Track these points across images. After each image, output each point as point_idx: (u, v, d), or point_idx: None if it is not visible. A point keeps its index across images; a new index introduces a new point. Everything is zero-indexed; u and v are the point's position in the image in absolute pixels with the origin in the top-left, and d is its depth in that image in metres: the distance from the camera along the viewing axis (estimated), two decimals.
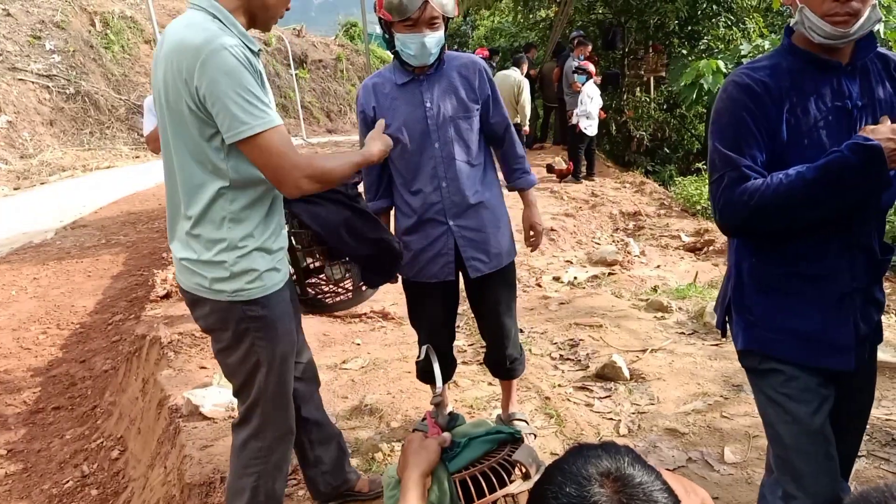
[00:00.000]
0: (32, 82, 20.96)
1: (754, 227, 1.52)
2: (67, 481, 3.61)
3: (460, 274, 2.52)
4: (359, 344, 4.00)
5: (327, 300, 2.35)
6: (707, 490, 2.47)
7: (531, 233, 2.59)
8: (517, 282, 2.64)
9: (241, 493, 2.02)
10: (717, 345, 3.75)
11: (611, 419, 2.94)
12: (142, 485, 3.18)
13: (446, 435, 1.43)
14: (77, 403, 4.64)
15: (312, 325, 4.23)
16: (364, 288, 2.37)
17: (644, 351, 3.61)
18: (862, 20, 1.41)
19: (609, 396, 3.14)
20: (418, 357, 1.63)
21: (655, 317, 4.31)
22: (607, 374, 3.31)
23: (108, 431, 4.05)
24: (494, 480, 1.37)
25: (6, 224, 11.19)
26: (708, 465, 2.57)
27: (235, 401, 3.06)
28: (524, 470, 1.40)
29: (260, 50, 1.75)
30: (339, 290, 2.35)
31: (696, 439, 2.74)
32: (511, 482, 1.40)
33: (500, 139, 2.49)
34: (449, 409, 1.75)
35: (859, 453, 2.60)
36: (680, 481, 1.13)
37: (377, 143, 2.03)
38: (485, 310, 2.59)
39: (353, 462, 2.68)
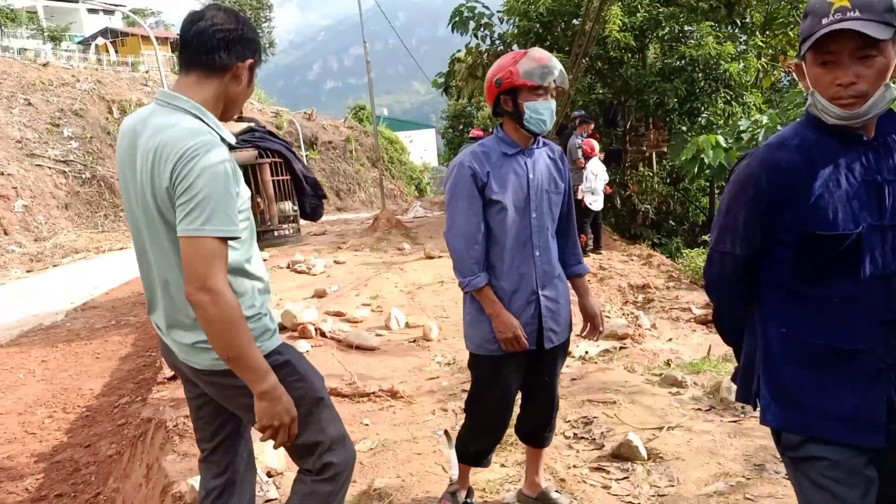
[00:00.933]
0: (50, 167, 21.62)
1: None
2: None
3: None
4: (367, 424, 3.92)
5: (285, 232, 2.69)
6: None
7: (594, 320, 2.71)
8: None
9: None
10: (735, 421, 3.65)
11: (630, 502, 2.83)
12: None
13: None
14: (80, 490, 4.53)
15: None
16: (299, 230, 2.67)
17: (661, 429, 3.51)
18: (871, 100, 1.42)
19: (627, 478, 3.03)
20: (438, 435, 1.56)
21: (670, 392, 4.22)
22: (623, 454, 3.21)
23: None
24: None
25: (18, 306, 11.26)
26: None
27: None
28: None
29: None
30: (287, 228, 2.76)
31: None
32: None
33: (564, 223, 2.65)
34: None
35: None
36: None
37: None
38: (544, 380, 2.64)
39: None
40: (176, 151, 1.67)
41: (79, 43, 36.62)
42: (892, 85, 1.44)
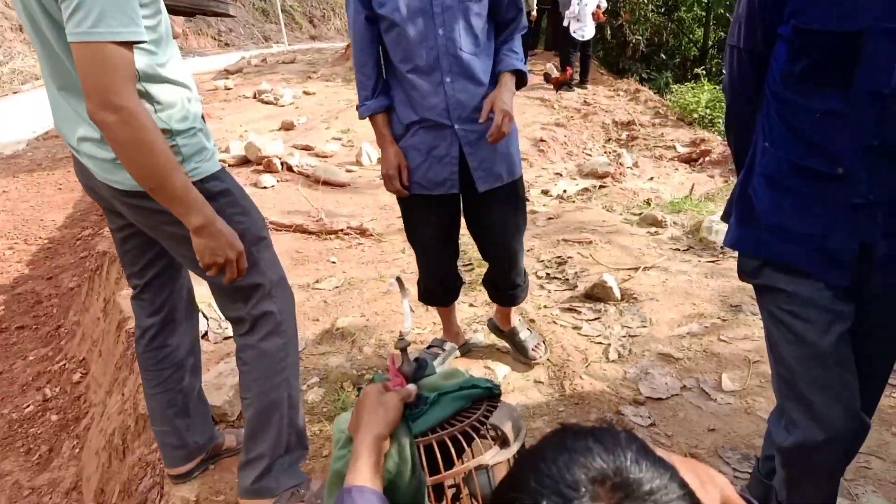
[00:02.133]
0: None
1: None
2: (28, 405, 3.44)
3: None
4: (334, 262, 3.76)
5: None
6: (703, 421, 2.31)
7: (496, 116, 2.02)
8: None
9: (271, 411, 1.78)
10: (714, 261, 3.54)
11: (600, 343, 2.74)
12: (101, 411, 3.00)
13: (411, 388, 1.17)
14: (42, 322, 4.44)
15: (285, 242, 3.98)
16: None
17: (636, 269, 3.39)
18: None
19: (598, 318, 2.94)
20: (391, 284, 1.34)
21: (649, 232, 4.08)
22: (597, 295, 3.10)
23: (70, 353, 3.86)
24: (466, 447, 1.14)
25: None
26: (704, 393, 2.39)
27: (204, 324, 2.87)
28: (501, 434, 1.17)
29: None
30: None
31: (692, 365, 2.56)
32: (487, 450, 1.17)
33: (504, 32, 2.15)
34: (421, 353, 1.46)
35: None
36: (694, 470, 0.89)
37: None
38: (490, 230, 2.30)
39: (321, 391, 2.48)
40: None
41: None
42: None
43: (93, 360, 3.54)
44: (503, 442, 1.17)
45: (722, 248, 3.67)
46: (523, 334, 2.60)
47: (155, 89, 1.52)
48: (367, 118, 2.19)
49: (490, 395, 1.23)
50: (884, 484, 1.98)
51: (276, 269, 1.78)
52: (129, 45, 1.38)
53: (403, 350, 1.23)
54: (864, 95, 1.22)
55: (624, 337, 2.79)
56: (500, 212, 2.26)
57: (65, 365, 3.75)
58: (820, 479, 1.47)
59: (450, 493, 1.17)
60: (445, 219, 2.29)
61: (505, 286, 2.47)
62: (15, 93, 15.90)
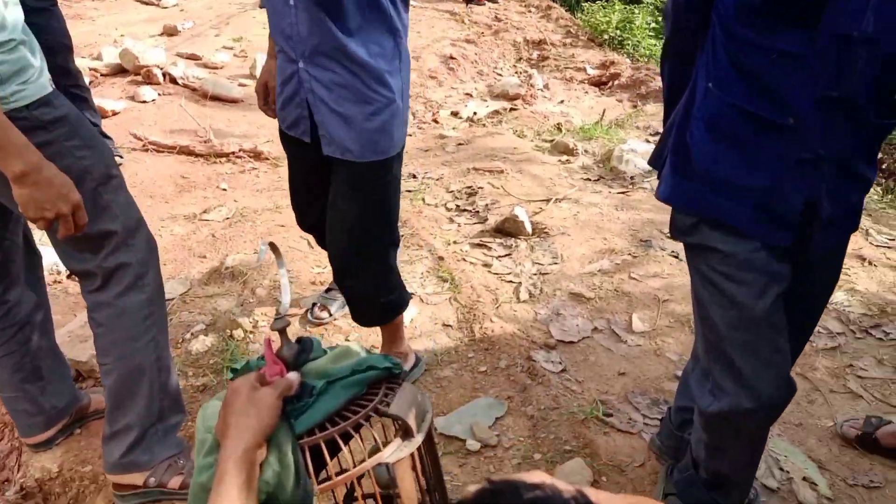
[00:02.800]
0: None
1: None
2: None
3: None
4: (224, 189, 3.42)
5: None
6: (614, 364, 2.25)
7: None
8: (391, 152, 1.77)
9: (137, 376, 1.54)
10: (624, 192, 3.47)
11: (510, 282, 2.62)
12: None
13: (292, 377, 0.95)
14: None
15: (170, 166, 3.58)
16: None
17: (548, 201, 3.27)
18: None
19: (509, 255, 2.81)
20: (261, 249, 1.08)
21: (560, 160, 3.95)
22: (508, 229, 2.96)
23: None
24: (362, 443, 0.96)
25: None
26: (615, 335, 2.32)
27: (58, 263, 2.52)
28: (403, 424, 0.99)
29: None
30: None
31: (603, 305, 2.49)
32: (385, 445, 0.99)
33: None
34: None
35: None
36: None
37: None
38: (331, 210, 1.82)
39: (208, 340, 2.24)
40: None
41: None
42: None
43: None
44: (405, 433, 0.99)
45: (632, 178, 3.61)
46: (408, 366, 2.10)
47: None
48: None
49: (390, 375, 1.05)
50: (788, 427, 1.99)
51: (131, 212, 1.49)
52: None
53: (282, 331, 1.01)
54: (830, 38, 1.07)
55: (535, 275, 2.68)
56: (341, 194, 1.79)
57: None
58: (744, 445, 1.42)
59: (340, 494, 1.00)
60: (306, 164, 1.92)
61: (350, 292, 1.94)
62: None
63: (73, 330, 2.13)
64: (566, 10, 9.79)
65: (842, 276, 2.70)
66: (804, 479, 1.80)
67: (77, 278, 1.54)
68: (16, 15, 1.31)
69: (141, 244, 1.51)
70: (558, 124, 5.15)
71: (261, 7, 1.84)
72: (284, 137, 1.90)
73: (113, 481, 1.62)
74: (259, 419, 0.86)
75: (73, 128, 1.39)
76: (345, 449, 0.95)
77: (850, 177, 1.23)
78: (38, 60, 1.35)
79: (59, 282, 2.56)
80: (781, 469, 1.82)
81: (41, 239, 2.39)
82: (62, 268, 2.51)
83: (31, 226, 1.58)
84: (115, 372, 1.52)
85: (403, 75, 1.75)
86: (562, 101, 6.26)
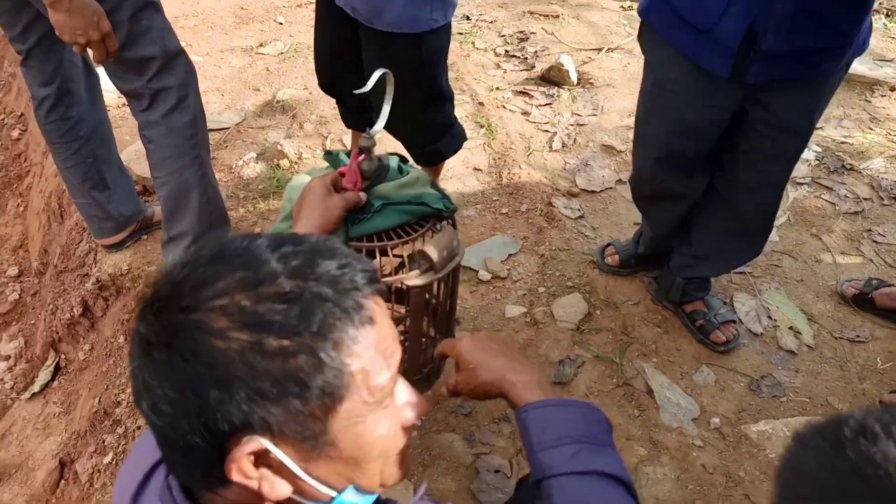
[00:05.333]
0: None
1: None
2: None
3: None
4: (281, 23, 3.48)
5: None
6: (631, 216, 2.35)
7: None
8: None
9: (187, 190, 1.76)
10: None
11: (546, 132, 2.69)
12: (39, 171, 2.96)
13: (361, 195, 1.12)
14: None
15: None
16: None
17: (599, 50, 3.21)
18: None
19: (550, 104, 2.84)
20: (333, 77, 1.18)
21: (623, 6, 3.79)
22: (552, 78, 2.97)
23: (8, 107, 3.69)
24: (392, 259, 1.14)
25: None
26: None
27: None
28: (428, 260, 1.15)
29: None
30: None
31: (630, 158, 2.54)
32: (412, 269, 1.16)
33: None
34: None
35: (801, 180, 2.46)
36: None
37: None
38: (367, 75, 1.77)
39: (258, 167, 2.45)
40: None
41: None
42: None
43: (30, 117, 3.40)
44: (427, 268, 1.17)
45: None
46: None
47: None
48: None
49: (438, 216, 1.21)
50: (789, 282, 2.10)
51: (170, 38, 1.63)
52: None
53: (368, 149, 1.16)
54: None
55: (572, 125, 2.72)
56: (367, 61, 1.73)
57: (3, 119, 3.61)
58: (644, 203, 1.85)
59: None
60: (330, 21, 1.80)
61: (412, 145, 1.96)
62: None
63: (137, 149, 2.37)
64: None
65: (884, 142, 2.65)
66: (790, 328, 1.93)
67: (127, 99, 1.72)
68: None
69: (181, 69, 1.66)
70: None
71: None
72: None
73: None
74: (323, 218, 1.06)
75: None
76: (379, 259, 1.14)
77: (808, 18, 1.27)
78: None
79: (124, 104, 2.78)
80: (770, 318, 1.95)
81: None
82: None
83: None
84: (167, 185, 1.74)
85: None
86: None
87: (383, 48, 1.66)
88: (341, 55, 1.83)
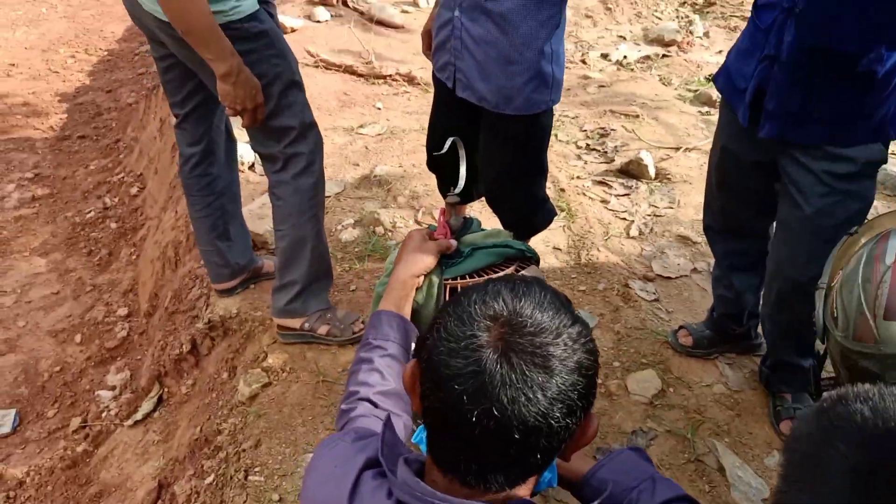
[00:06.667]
0: None
1: None
2: (90, 211, 3.75)
3: None
4: (379, 108, 3.82)
5: None
6: (705, 303, 2.44)
7: None
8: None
9: (303, 243, 1.98)
10: None
11: (624, 219, 2.84)
12: (156, 224, 3.27)
13: (451, 242, 1.30)
14: (102, 134, 4.68)
15: (334, 83, 4.03)
16: None
17: (677, 149, 3.39)
18: None
19: (628, 195, 3.00)
20: (460, 149, 1.40)
21: (700, 112, 3.99)
22: (631, 171, 3.14)
23: (129, 167, 4.11)
24: None
25: None
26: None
27: (252, 155, 3.05)
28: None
29: None
30: None
31: (707, 250, 2.64)
32: None
33: None
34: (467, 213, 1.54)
35: None
36: None
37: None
38: (483, 154, 1.99)
39: (355, 232, 2.67)
40: None
41: None
42: None
43: (149, 177, 3.79)
44: None
45: None
46: None
47: None
48: None
49: (523, 256, 1.37)
50: None
51: (307, 113, 1.88)
52: None
53: (453, 205, 1.35)
54: None
55: (649, 216, 2.86)
56: (486, 143, 1.95)
57: (123, 178, 4.02)
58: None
59: None
60: (448, 106, 2.01)
61: (504, 220, 2.15)
62: None
63: (252, 209, 2.64)
64: None
65: None
66: None
67: (263, 161, 1.98)
68: None
69: (312, 139, 1.91)
70: (709, 75, 5.07)
71: None
72: (434, 77, 2.07)
73: (277, 323, 2.09)
74: (422, 259, 1.24)
75: (271, 40, 1.77)
76: None
77: (801, 87, 1.51)
78: None
79: (243, 171, 3.09)
80: None
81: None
82: (246, 159, 3.03)
83: (231, 119, 2.04)
84: (287, 237, 1.96)
85: (555, 42, 1.81)
86: (720, 52, 6.06)
87: (505, 130, 1.90)
88: (455, 136, 2.04)
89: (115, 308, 3.04)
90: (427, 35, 2.07)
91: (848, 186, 1.56)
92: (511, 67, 1.78)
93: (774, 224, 1.81)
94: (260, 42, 1.72)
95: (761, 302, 1.93)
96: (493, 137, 1.94)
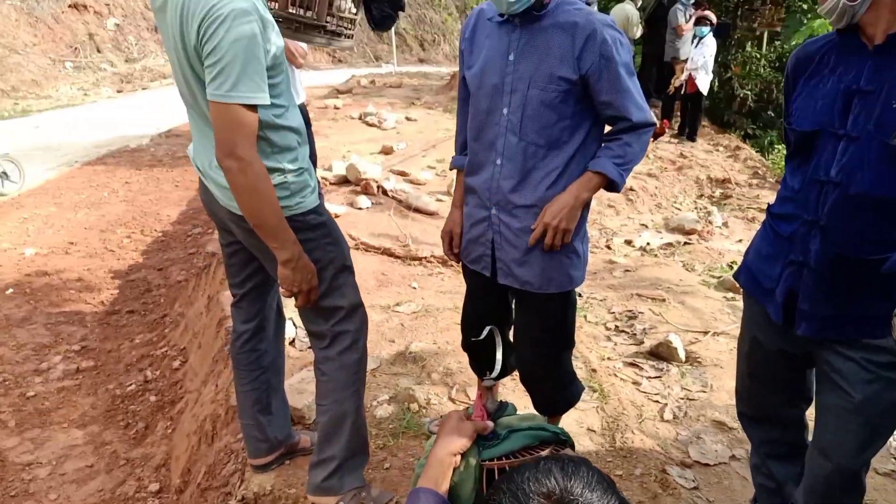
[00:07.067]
0: None
1: None
2: (131, 384, 3.85)
3: None
4: (414, 287, 4.01)
5: (334, 28, 2.44)
6: (746, 493, 2.38)
7: (542, 226, 1.87)
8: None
9: (344, 418, 2.03)
10: None
11: (657, 402, 2.84)
12: (195, 398, 3.34)
13: (488, 423, 1.37)
14: (150, 310, 4.91)
15: (371, 264, 4.27)
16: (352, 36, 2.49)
17: (705, 333, 3.46)
18: (826, 3, 1.46)
19: (659, 377, 3.03)
20: (478, 336, 1.52)
21: (725, 297, 4.11)
22: (661, 353, 3.20)
23: (173, 341, 4.27)
24: None
25: (107, 126, 11.74)
26: None
27: (293, 331, 3.19)
28: None
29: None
30: (345, 28, 2.47)
31: (744, 436, 2.61)
32: None
33: (611, 122, 1.89)
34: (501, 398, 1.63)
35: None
36: None
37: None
38: (518, 334, 2.12)
39: (390, 408, 2.71)
40: (201, 9, 1.59)
41: None
42: None
43: (192, 351, 3.93)
44: None
45: None
46: None
47: (273, 135, 1.81)
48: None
49: (558, 440, 1.41)
50: None
51: (356, 294, 2.03)
52: (255, 107, 1.67)
53: (489, 389, 1.43)
54: (812, 181, 1.55)
55: (682, 399, 2.87)
56: (525, 320, 2.07)
57: (166, 351, 4.16)
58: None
59: None
60: (484, 293, 2.15)
61: (535, 388, 2.22)
62: (144, 89, 17.32)
63: (292, 384, 2.72)
64: (757, 151, 9.85)
65: None
66: None
67: (311, 338, 2.09)
68: (305, 151, 1.94)
69: (359, 318, 2.04)
70: (732, 262, 5.25)
71: (451, 168, 2.27)
72: (465, 269, 2.18)
73: (312, 501, 2.08)
74: (459, 439, 1.30)
75: (328, 230, 1.97)
76: None
77: (830, 290, 1.57)
78: (313, 181, 1.97)
79: (289, 344, 3.21)
80: None
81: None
82: (287, 335, 3.16)
83: (283, 299, 2.20)
84: (328, 412, 2.02)
85: (582, 223, 1.96)
86: (740, 240, 6.31)
87: (546, 308, 2.00)
88: (490, 319, 2.10)
89: (146, 483, 3.03)
90: (448, 236, 2.17)
91: (890, 374, 1.59)
92: (551, 251, 1.91)
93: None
94: (318, 232, 1.91)
95: (802, 491, 1.88)
96: (532, 315, 2.04)
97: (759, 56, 12.06)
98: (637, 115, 1.81)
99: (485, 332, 1.50)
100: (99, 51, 18.92)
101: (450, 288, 4.06)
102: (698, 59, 8.52)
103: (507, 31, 1.85)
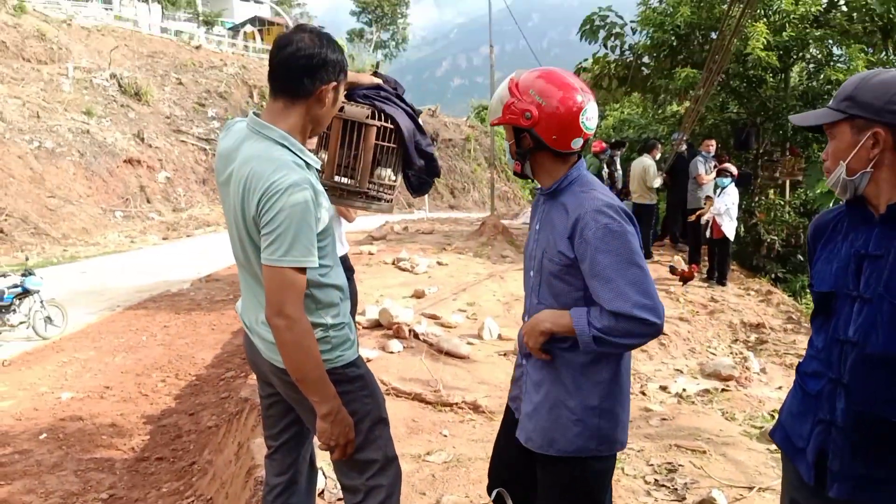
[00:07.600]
0: (192, 144, 23.36)
1: None
2: None
3: None
4: (445, 435, 3.94)
5: (375, 194, 2.60)
6: None
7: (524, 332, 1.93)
8: None
9: None
10: None
11: None
12: None
13: None
14: (179, 457, 4.87)
15: (402, 410, 4.24)
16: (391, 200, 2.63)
17: (750, 489, 3.30)
18: (831, 177, 1.60)
19: None
20: (495, 493, 1.49)
21: (769, 449, 3.94)
22: None
23: (200, 490, 4.19)
24: None
25: (151, 272, 12.26)
26: None
27: (323, 481, 3.13)
28: None
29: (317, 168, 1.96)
30: (385, 193, 2.61)
31: None
32: None
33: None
34: None
35: None
36: None
37: None
38: (540, 490, 2.00)
39: None
40: (262, 185, 1.76)
41: (229, 29, 39.46)
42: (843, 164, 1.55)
43: (219, 501, 3.84)
44: None
45: None
46: None
47: (318, 293, 1.92)
48: None
49: None
50: None
51: (390, 447, 2.03)
52: (304, 269, 1.79)
53: None
54: (833, 341, 1.59)
55: None
56: (539, 479, 1.96)
57: (193, 501, 4.08)
58: None
59: None
60: (508, 438, 2.07)
61: None
62: (188, 236, 18.22)
63: None
64: (789, 296, 9.81)
65: None
66: None
67: (344, 492, 2.07)
68: (346, 307, 2.03)
69: (393, 472, 2.02)
70: (773, 410, 5.08)
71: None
72: (507, 406, 2.20)
73: None
74: None
75: (365, 382, 2.01)
76: None
77: (861, 452, 1.53)
78: (353, 335, 2.04)
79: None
80: None
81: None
82: (318, 487, 3.10)
83: (317, 450, 2.20)
84: None
85: (608, 401, 1.87)
86: (780, 387, 6.14)
87: (552, 472, 1.92)
88: (513, 476, 2.07)
89: None
90: None
91: None
92: (556, 411, 1.87)
93: None
94: (356, 384, 1.96)
95: None
96: (541, 477, 1.96)
97: (782, 203, 12.34)
98: (611, 304, 1.73)
99: (493, 495, 1.46)
100: (149, 201, 20.16)
101: (481, 436, 3.98)
102: (721, 207, 8.74)
103: (541, 200, 2.04)
